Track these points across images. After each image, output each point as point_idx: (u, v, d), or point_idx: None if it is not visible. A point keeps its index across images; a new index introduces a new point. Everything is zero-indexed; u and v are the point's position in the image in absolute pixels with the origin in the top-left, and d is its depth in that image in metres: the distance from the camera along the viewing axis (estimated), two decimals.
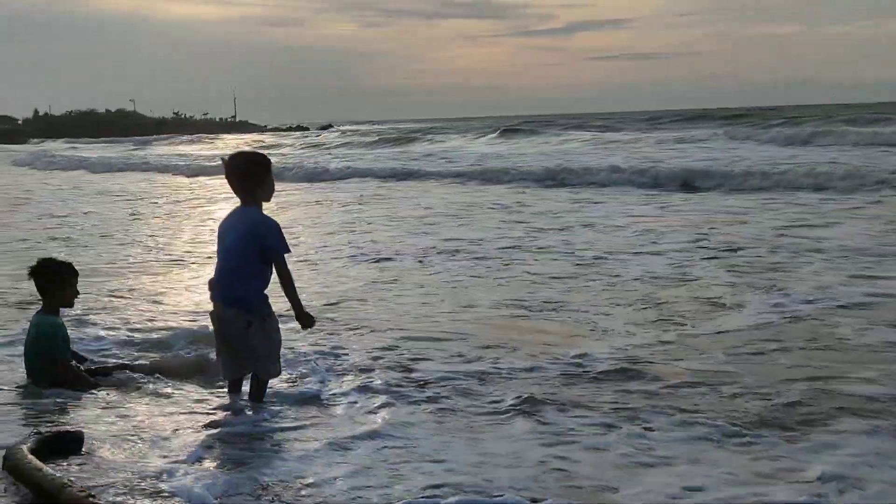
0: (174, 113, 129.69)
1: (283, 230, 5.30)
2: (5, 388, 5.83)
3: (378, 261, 10.77)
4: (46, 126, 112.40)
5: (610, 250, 10.84)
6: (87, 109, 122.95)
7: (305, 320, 5.30)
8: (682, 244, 11.13)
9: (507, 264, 10.20)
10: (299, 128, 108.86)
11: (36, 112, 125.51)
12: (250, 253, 5.17)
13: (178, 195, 23.09)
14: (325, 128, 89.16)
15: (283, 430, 4.91)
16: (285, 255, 5.24)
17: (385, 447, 4.57)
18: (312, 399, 5.42)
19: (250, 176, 5.27)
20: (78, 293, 6.11)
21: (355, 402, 5.34)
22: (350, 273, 10.01)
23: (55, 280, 5.94)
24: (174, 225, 16.05)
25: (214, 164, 34.15)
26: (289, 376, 5.76)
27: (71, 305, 6.12)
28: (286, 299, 5.30)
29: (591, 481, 4.12)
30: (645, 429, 4.76)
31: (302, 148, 47.63)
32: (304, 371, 5.93)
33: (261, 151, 5.68)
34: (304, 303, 5.34)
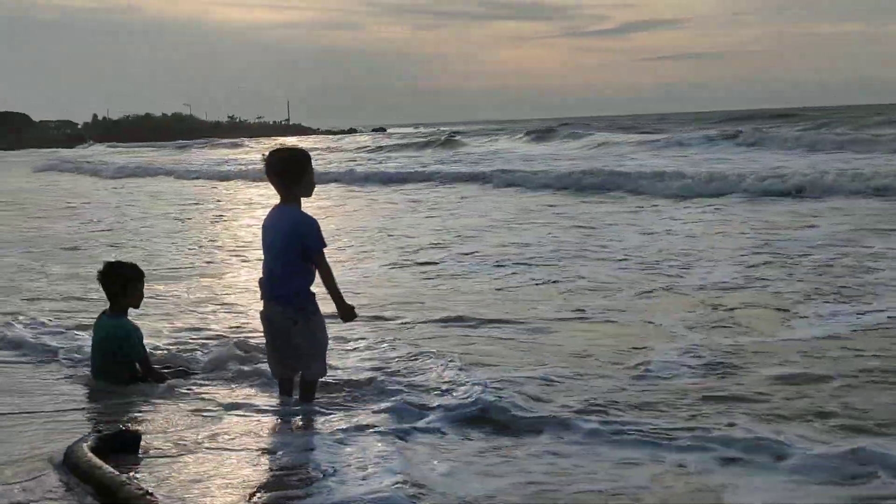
0: (229, 117, 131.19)
1: (321, 228, 5.25)
2: (71, 386, 6.01)
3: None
4: (105, 130, 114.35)
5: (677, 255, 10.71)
6: (144, 113, 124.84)
7: (347, 314, 5.28)
8: (745, 250, 10.87)
9: (564, 269, 10.11)
10: (352, 130, 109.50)
11: (95, 116, 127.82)
12: (292, 252, 5.17)
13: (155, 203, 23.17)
14: (378, 130, 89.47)
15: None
16: (323, 250, 5.21)
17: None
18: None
19: (288, 173, 5.26)
20: (143, 295, 6.26)
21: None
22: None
23: (122, 282, 6.09)
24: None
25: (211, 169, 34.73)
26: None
27: (137, 307, 6.26)
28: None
29: None
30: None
31: (372, 151, 46.40)
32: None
33: (300, 147, 5.61)
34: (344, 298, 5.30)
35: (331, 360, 5.72)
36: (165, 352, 6.78)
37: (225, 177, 33.04)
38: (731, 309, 7.79)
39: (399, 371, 6.05)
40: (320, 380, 5.49)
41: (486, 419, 5.06)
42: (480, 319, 7.65)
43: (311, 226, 5.21)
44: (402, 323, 7.65)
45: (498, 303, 8.44)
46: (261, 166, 5.50)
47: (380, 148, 47.88)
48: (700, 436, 4.67)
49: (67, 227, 16.64)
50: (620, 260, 10.61)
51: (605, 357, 6.43)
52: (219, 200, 23.15)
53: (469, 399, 5.29)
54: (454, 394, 5.44)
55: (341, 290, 5.27)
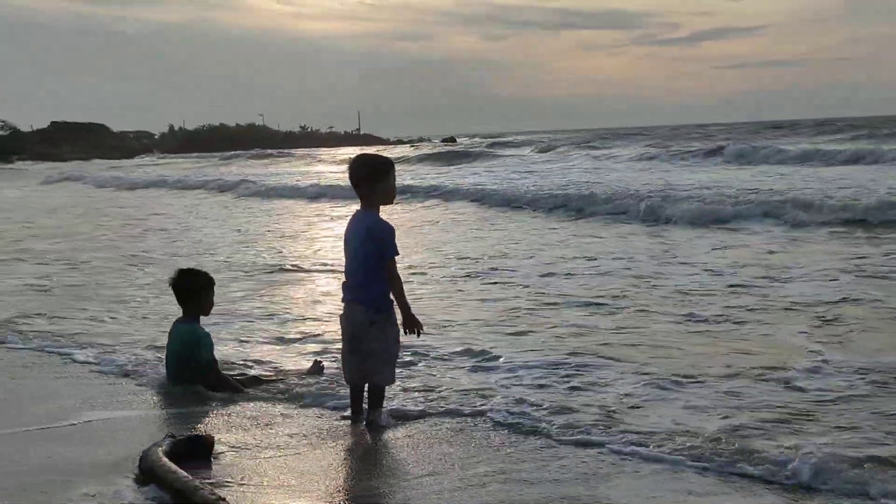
0: (301, 127, 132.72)
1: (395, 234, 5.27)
2: (148, 392, 6.12)
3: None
4: (180, 140, 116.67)
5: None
6: (218, 124, 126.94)
7: (412, 324, 5.28)
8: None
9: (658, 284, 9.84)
10: (421, 140, 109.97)
11: (171, 127, 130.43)
12: (371, 256, 5.21)
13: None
14: (448, 140, 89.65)
15: None
16: (395, 258, 5.24)
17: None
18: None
19: (366, 179, 5.29)
20: (213, 303, 6.36)
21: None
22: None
23: (195, 289, 6.19)
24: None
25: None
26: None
27: (207, 314, 6.35)
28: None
29: None
30: None
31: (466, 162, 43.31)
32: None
33: (383, 155, 5.62)
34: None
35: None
36: (243, 361, 6.87)
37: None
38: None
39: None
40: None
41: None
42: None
43: (384, 231, 5.24)
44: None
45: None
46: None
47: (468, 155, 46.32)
48: None
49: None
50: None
51: None
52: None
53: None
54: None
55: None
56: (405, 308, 5.26)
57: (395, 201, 5.51)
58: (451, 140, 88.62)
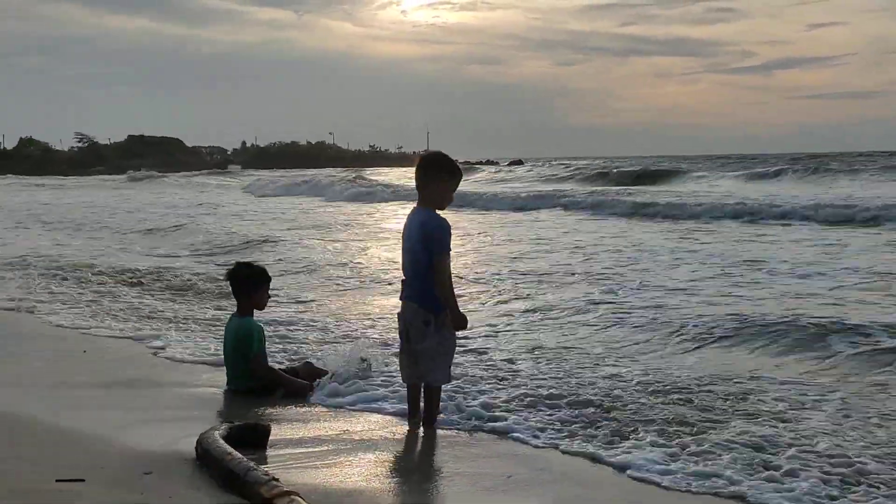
0: (370, 146, 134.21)
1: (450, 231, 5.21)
2: (204, 387, 6.24)
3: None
4: (252, 156, 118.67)
5: None
6: (290, 141, 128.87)
7: (458, 321, 5.23)
8: None
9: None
10: (489, 162, 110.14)
11: (244, 143, 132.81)
12: (425, 252, 5.17)
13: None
14: (515, 163, 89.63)
15: None
16: (447, 255, 5.17)
17: None
18: None
19: (422, 177, 5.29)
20: (269, 297, 6.43)
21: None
22: None
23: (250, 283, 6.27)
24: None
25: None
26: None
27: (261, 308, 6.43)
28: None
29: None
30: None
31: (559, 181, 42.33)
32: None
33: (446, 157, 5.50)
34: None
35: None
36: (302, 356, 6.96)
37: None
38: None
39: None
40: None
41: None
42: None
43: (437, 227, 5.20)
44: None
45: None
46: None
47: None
48: None
49: None
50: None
51: None
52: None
53: None
54: None
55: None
56: (453, 305, 5.18)
57: (446, 207, 5.34)
58: (519, 163, 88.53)
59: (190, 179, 64.42)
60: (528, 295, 9.94)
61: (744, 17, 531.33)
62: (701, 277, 10.89)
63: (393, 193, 34.29)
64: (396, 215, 23.17)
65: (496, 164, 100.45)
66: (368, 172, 58.88)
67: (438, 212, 5.29)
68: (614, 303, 9.22)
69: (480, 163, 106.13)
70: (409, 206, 5.50)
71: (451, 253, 5.25)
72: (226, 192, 44.06)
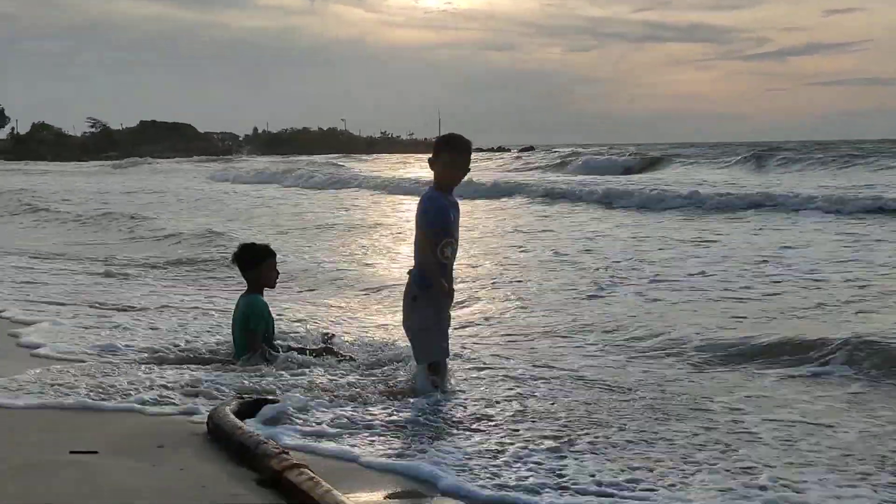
0: (382, 133, 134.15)
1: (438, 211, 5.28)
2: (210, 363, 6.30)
3: None
4: (264, 142, 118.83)
5: None
6: (301, 128, 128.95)
7: (442, 292, 5.25)
8: None
9: None
10: (500, 149, 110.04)
11: (255, 129, 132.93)
12: (418, 228, 5.35)
13: None
14: (526, 149, 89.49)
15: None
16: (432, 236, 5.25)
17: None
18: None
19: (431, 156, 5.38)
20: (278, 273, 6.50)
21: None
22: None
23: (255, 262, 6.35)
24: None
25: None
26: None
27: (271, 286, 6.50)
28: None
29: None
30: None
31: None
32: None
33: (454, 135, 5.51)
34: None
35: None
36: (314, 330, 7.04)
37: None
38: None
39: None
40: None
41: None
42: None
43: (425, 202, 5.36)
44: None
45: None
46: None
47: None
48: None
49: None
50: None
51: None
52: None
53: None
54: None
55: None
56: (434, 278, 5.24)
57: (457, 182, 5.43)
58: (530, 149, 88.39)
59: (178, 166, 65.27)
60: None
61: (760, 3, 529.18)
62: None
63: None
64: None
65: (508, 150, 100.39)
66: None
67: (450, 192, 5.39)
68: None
69: (492, 149, 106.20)
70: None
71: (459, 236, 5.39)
72: (189, 180, 45.01)
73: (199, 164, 67.77)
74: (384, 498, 3.79)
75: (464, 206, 5.93)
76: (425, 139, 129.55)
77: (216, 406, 4.66)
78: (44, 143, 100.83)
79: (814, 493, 3.80)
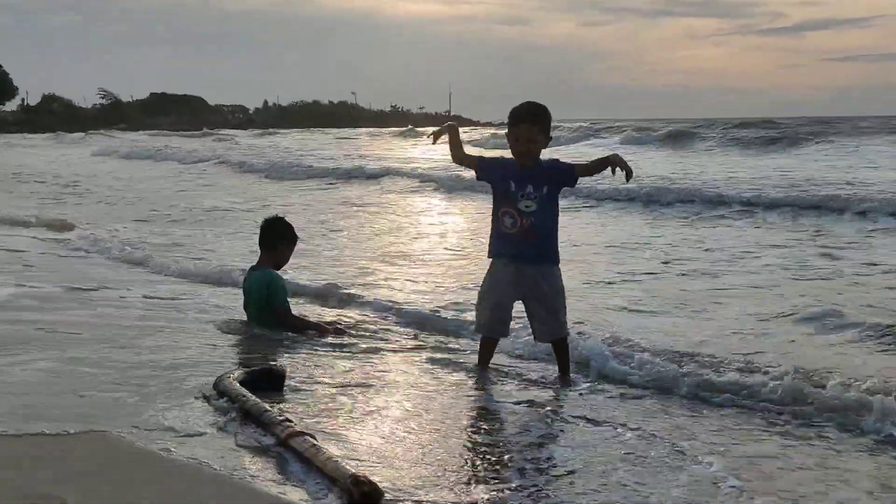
0: (392, 106, 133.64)
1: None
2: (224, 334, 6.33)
3: None
4: (274, 115, 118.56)
5: None
6: (311, 101, 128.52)
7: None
8: None
9: None
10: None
11: (266, 102, 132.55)
12: None
13: None
14: None
15: None
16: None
17: None
18: None
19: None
20: (289, 258, 6.57)
21: None
22: None
23: (277, 238, 6.44)
24: None
25: None
26: None
27: (280, 267, 6.54)
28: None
29: None
30: None
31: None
32: None
33: (517, 105, 5.46)
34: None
35: None
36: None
37: None
38: None
39: None
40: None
41: None
42: None
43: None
44: None
45: None
46: None
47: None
48: None
49: None
50: None
51: None
52: None
53: None
54: None
55: None
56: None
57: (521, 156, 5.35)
58: None
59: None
60: None
61: None
62: None
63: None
64: None
65: None
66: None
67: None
68: None
69: (503, 124, 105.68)
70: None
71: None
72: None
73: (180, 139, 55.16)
74: None
75: None
76: (436, 113, 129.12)
77: (221, 375, 4.68)
78: (54, 115, 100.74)
79: None
